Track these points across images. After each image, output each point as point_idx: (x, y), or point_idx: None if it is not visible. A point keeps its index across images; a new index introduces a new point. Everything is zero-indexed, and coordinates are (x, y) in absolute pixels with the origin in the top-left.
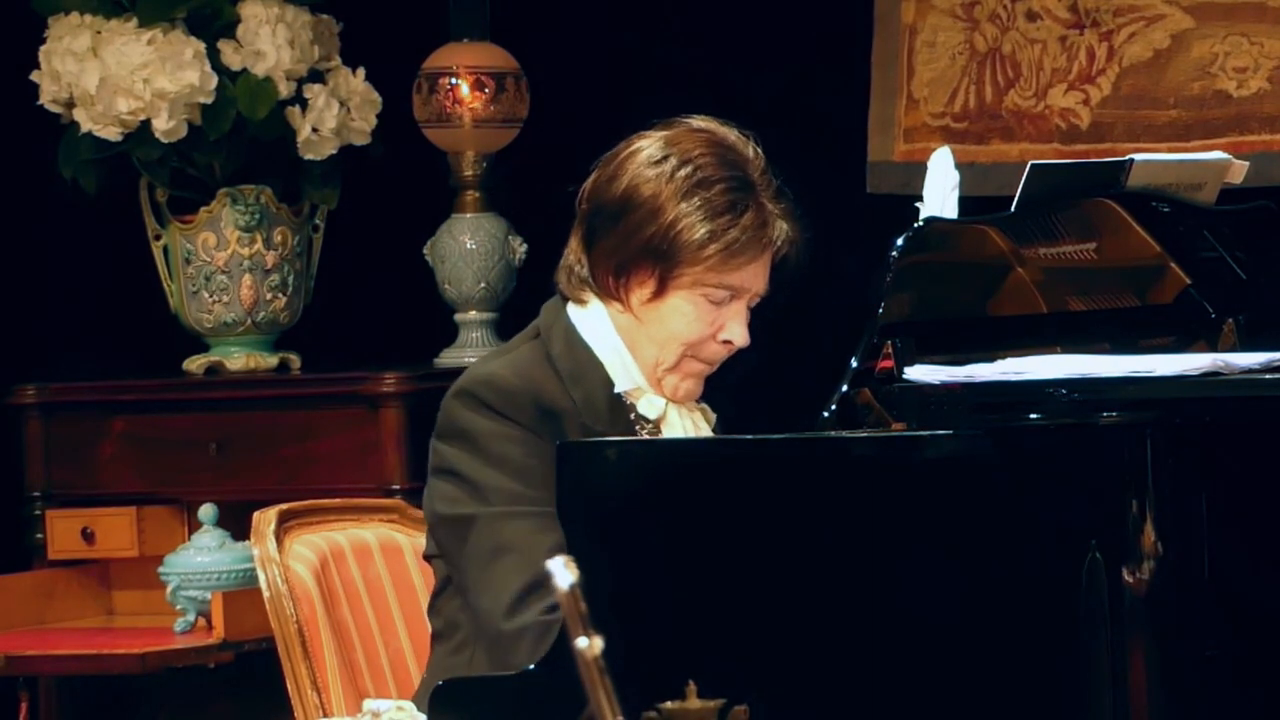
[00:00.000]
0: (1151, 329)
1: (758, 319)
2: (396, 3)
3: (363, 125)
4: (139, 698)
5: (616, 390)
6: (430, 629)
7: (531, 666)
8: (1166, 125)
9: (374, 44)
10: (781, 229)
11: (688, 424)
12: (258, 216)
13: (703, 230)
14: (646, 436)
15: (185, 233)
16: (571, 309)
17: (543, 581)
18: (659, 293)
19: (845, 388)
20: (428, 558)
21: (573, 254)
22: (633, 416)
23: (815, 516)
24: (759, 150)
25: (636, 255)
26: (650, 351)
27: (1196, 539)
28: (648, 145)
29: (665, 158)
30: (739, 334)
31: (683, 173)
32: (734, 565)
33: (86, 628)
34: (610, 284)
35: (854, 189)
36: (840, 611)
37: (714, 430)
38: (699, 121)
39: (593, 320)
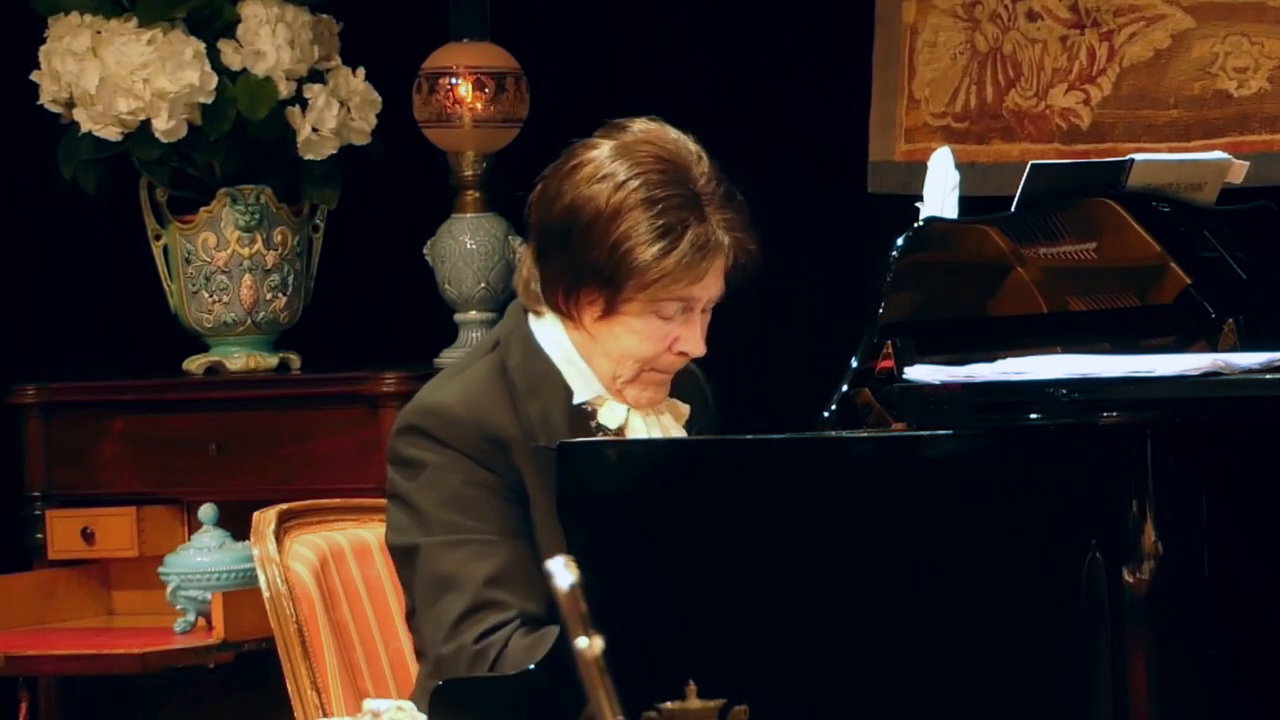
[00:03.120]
0: (1151, 329)
1: (758, 319)
2: (396, 3)
3: (363, 125)
4: (139, 698)
5: (577, 400)
6: (413, 645)
7: (531, 666)
8: (1167, 125)
9: (374, 44)
10: (729, 240)
11: (653, 427)
12: (258, 216)
13: (647, 253)
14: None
15: (185, 233)
16: (532, 319)
17: (478, 608)
18: (609, 312)
19: (845, 388)
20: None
21: (526, 267)
22: (594, 425)
23: (815, 516)
24: (703, 154)
25: (584, 277)
26: (606, 366)
27: (1196, 539)
28: (591, 159)
29: (608, 175)
30: (693, 345)
31: (625, 189)
32: (734, 565)
33: (86, 628)
34: (561, 303)
35: (855, 189)
36: (840, 611)
37: (686, 424)
38: (642, 126)
39: (552, 332)
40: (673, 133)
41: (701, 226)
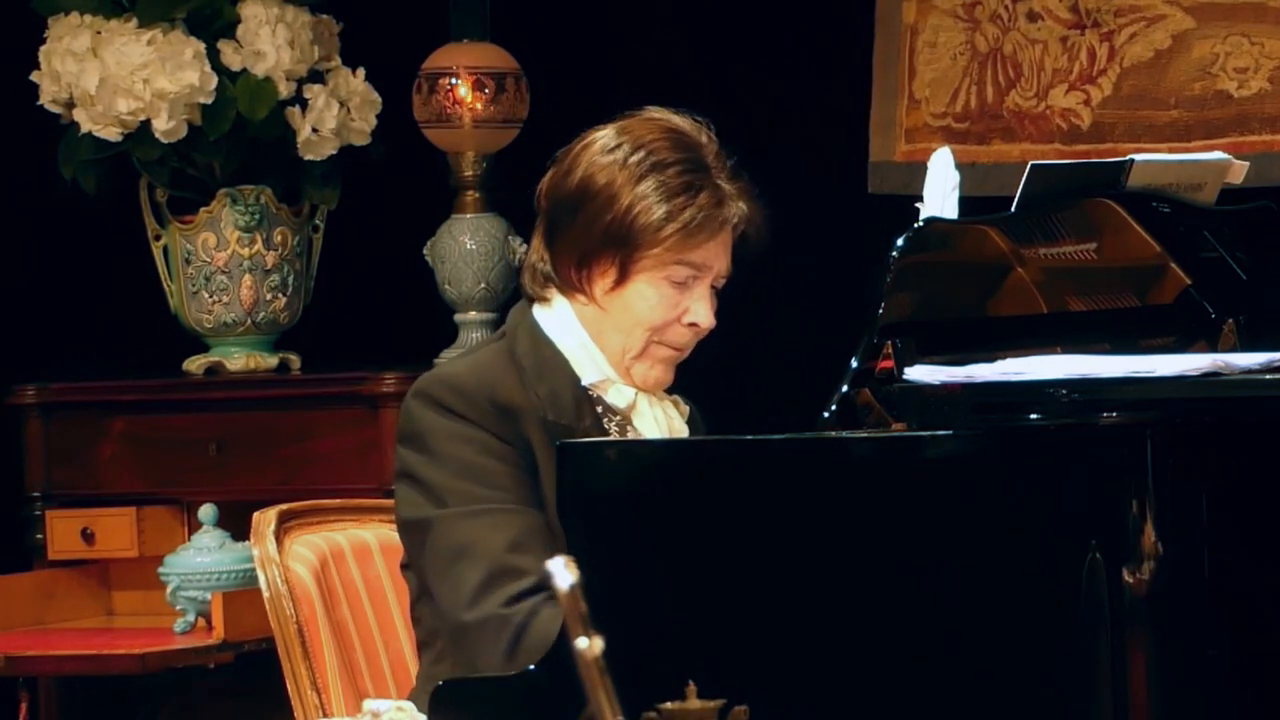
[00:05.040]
0: (1151, 329)
1: (758, 320)
2: (396, 3)
3: (363, 125)
4: (139, 698)
5: (584, 383)
6: (414, 638)
7: (531, 667)
8: (1167, 125)
9: (374, 44)
10: (739, 208)
11: (658, 413)
12: (258, 216)
13: (659, 211)
14: (616, 430)
15: (185, 233)
16: (536, 309)
17: (500, 574)
18: (621, 279)
19: (845, 388)
20: (403, 567)
21: (535, 252)
22: (600, 409)
23: (815, 517)
24: (712, 135)
25: (596, 244)
26: (617, 340)
27: (1196, 539)
28: (601, 136)
29: (618, 145)
30: (703, 315)
31: (636, 158)
32: (734, 565)
33: (86, 628)
34: (573, 276)
35: (855, 189)
36: (840, 611)
37: (688, 421)
38: (652, 111)
39: (557, 317)
40: (685, 116)
41: (712, 192)
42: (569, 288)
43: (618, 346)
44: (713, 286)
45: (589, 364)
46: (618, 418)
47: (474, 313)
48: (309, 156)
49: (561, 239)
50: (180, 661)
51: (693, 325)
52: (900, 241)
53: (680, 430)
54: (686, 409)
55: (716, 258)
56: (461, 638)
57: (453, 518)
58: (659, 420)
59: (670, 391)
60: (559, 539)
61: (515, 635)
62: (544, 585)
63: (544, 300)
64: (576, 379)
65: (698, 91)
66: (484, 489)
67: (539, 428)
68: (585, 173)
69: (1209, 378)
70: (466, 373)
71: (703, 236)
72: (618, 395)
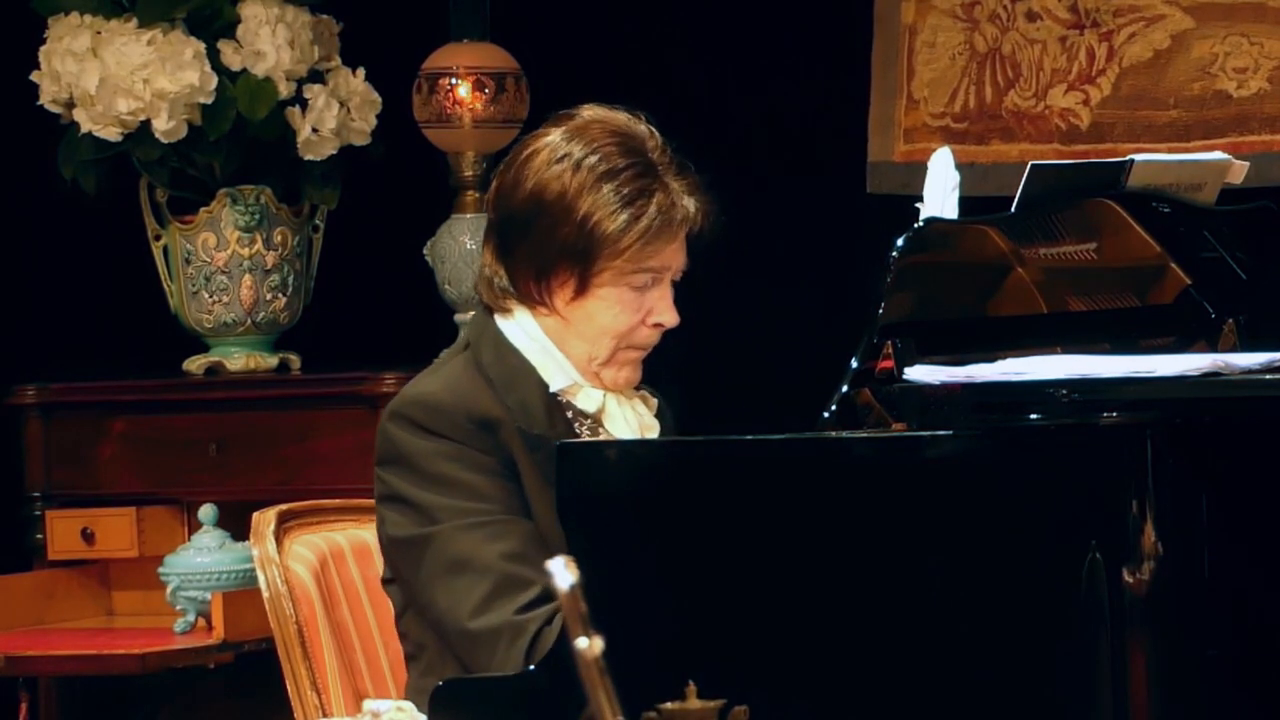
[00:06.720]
0: (1151, 329)
1: (757, 320)
2: (396, 3)
3: (363, 125)
4: (139, 698)
5: (552, 390)
6: (403, 651)
7: (531, 667)
8: (1167, 125)
9: (374, 44)
10: (691, 204)
11: (627, 412)
12: (258, 217)
13: (616, 222)
14: (588, 434)
15: (185, 233)
16: (498, 319)
17: (507, 585)
18: (581, 291)
19: (845, 388)
20: (385, 583)
21: (488, 266)
22: (570, 414)
23: (815, 517)
24: (654, 129)
25: (554, 258)
26: (582, 349)
27: (1196, 539)
28: (545, 144)
29: (565, 155)
30: (667, 315)
31: (585, 166)
32: (734, 565)
33: (86, 628)
34: (532, 290)
35: (854, 189)
36: (840, 611)
37: (657, 414)
38: (590, 111)
39: (520, 327)
40: (621, 113)
41: (664, 193)
42: (529, 300)
43: (584, 354)
44: (671, 280)
45: (555, 370)
46: (589, 421)
47: (474, 313)
48: (309, 156)
49: (516, 252)
50: (180, 661)
51: (658, 325)
52: (900, 241)
53: (651, 426)
54: (655, 401)
55: (674, 257)
56: (469, 644)
57: (449, 532)
58: (629, 420)
59: (641, 386)
60: (551, 544)
61: (532, 641)
62: (552, 593)
63: (504, 311)
64: (544, 386)
65: (697, 92)
66: (475, 503)
67: (517, 438)
68: (535, 184)
69: (1209, 378)
70: (440, 390)
71: (661, 242)
72: (586, 399)
